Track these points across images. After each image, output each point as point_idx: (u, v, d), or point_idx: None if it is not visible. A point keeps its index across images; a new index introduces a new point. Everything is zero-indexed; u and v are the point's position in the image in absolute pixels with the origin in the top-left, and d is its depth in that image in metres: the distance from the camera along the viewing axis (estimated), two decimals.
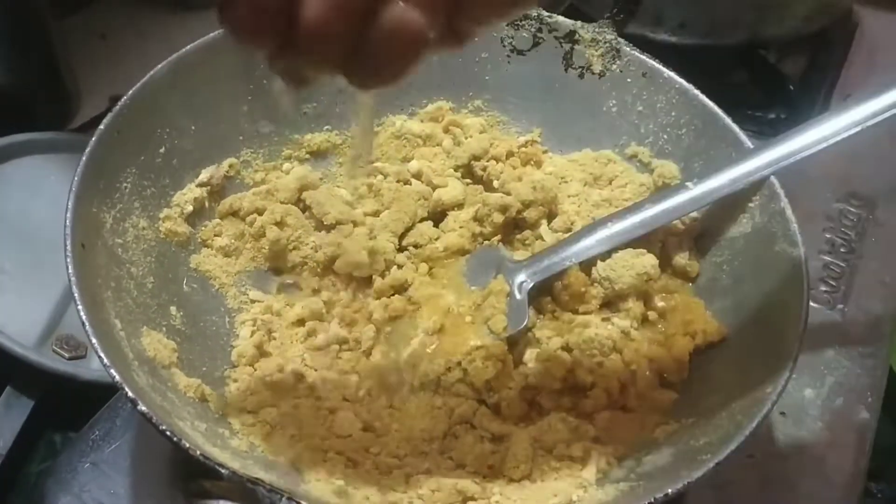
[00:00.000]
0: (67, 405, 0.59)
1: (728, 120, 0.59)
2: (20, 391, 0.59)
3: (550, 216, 0.62)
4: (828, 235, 0.71)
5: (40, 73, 0.73)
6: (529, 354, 0.54)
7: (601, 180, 0.63)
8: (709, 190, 0.55)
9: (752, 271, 0.55)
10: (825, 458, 0.58)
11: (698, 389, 0.53)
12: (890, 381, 0.64)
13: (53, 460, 0.55)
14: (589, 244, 0.56)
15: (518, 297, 0.55)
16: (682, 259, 0.58)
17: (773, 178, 0.56)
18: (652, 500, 0.41)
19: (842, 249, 0.70)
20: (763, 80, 0.83)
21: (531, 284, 0.56)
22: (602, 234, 0.56)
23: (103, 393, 0.57)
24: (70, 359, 0.60)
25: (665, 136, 0.63)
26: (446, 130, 0.65)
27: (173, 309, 0.54)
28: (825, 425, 0.60)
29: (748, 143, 0.58)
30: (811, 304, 0.63)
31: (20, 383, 0.59)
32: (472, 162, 0.64)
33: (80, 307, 0.45)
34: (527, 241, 0.61)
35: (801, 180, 0.70)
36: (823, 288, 0.67)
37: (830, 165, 0.75)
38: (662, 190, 0.59)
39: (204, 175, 0.59)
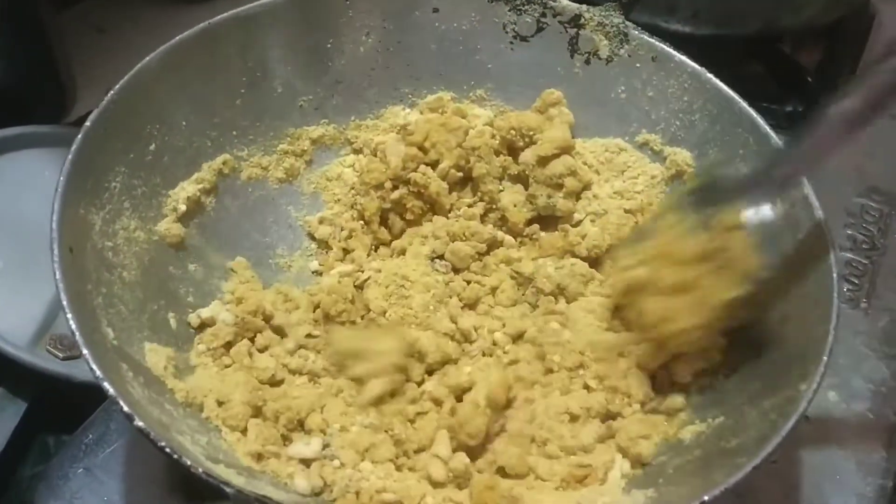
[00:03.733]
0: (62, 407, 0.57)
1: (744, 104, 0.57)
2: (13, 392, 0.57)
3: None
4: (849, 231, 0.68)
5: (37, 67, 0.72)
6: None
7: (612, 169, 0.61)
8: None
9: (777, 262, 0.52)
10: (851, 464, 0.56)
11: (725, 386, 0.50)
12: None
13: (46, 464, 0.53)
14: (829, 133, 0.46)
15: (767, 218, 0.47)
16: None
17: None
18: None
19: (864, 246, 0.68)
20: (779, 71, 0.81)
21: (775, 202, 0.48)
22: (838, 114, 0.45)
23: (99, 394, 0.53)
24: (64, 359, 0.58)
25: (677, 123, 0.60)
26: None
27: (169, 314, 0.52)
28: (851, 429, 0.57)
29: (765, 127, 0.56)
30: None
31: (13, 384, 0.58)
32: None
33: (69, 316, 0.43)
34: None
35: (820, 175, 0.68)
36: (846, 286, 0.65)
37: (849, 160, 0.73)
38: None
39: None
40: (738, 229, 0.47)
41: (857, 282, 0.66)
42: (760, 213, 0.47)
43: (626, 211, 0.59)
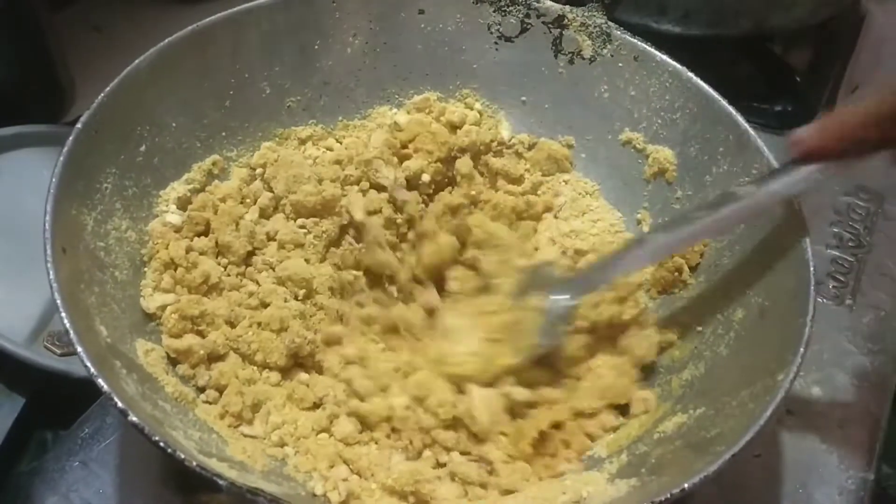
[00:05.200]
0: (59, 402, 0.57)
1: (724, 102, 0.58)
2: (11, 388, 0.58)
3: None
4: (835, 230, 0.69)
5: (34, 66, 0.72)
6: None
7: (574, 209, 0.63)
8: (769, 192, 0.50)
9: (756, 255, 0.54)
10: (834, 457, 0.57)
11: (705, 379, 0.51)
12: None
13: (43, 458, 0.54)
14: (634, 262, 0.53)
15: (558, 314, 0.53)
16: None
17: (772, 160, 0.54)
18: (668, 496, 0.40)
19: (850, 244, 0.69)
20: (769, 71, 0.82)
21: (573, 303, 0.53)
22: (647, 248, 0.52)
23: (95, 390, 0.54)
24: (61, 355, 0.58)
25: (659, 121, 0.61)
26: (437, 120, 0.63)
27: None
28: (834, 423, 0.58)
29: (745, 125, 0.57)
30: (819, 299, 0.62)
31: (11, 380, 0.58)
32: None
33: (63, 315, 0.43)
34: None
35: None
36: (832, 283, 0.66)
37: None
38: (715, 198, 0.54)
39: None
40: (536, 311, 0.53)
41: (842, 279, 0.67)
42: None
43: (576, 251, 0.61)
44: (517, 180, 0.64)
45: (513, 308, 0.54)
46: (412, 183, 0.61)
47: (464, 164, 0.62)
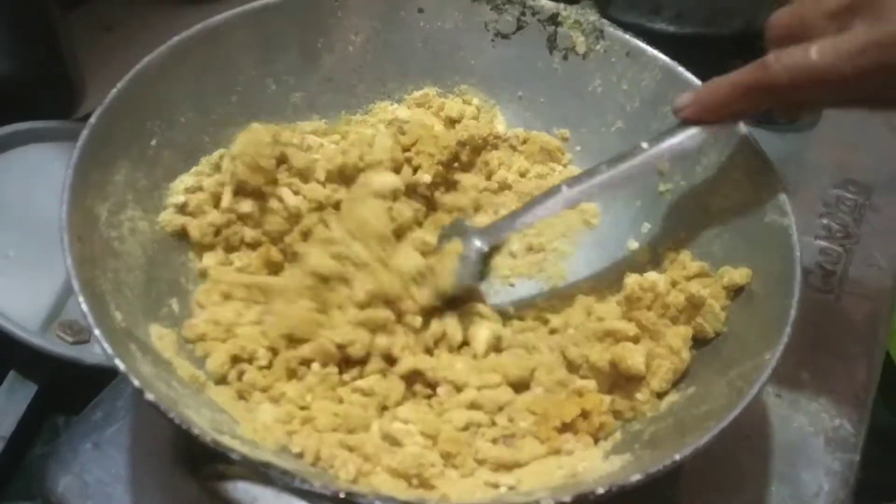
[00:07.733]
0: (71, 389, 0.59)
1: None
2: (24, 375, 0.59)
3: None
4: (825, 221, 0.72)
5: (45, 64, 0.74)
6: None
7: None
8: (664, 148, 0.54)
9: (744, 242, 0.56)
10: (821, 440, 0.59)
11: (696, 360, 0.53)
12: (886, 365, 0.65)
13: (55, 443, 0.56)
14: (543, 209, 0.56)
15: (472, 258, 0.56)
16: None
17: (761, 149, 0.56)
18: (660, 467, 0.42)
19: (838, 235, 0.71)
20: None
21: (486, 247, 0.56)
22: (557, 199, 0.55)
23: (106, 376, 0.57)
24: (73, 343, 0.60)
25: (651, 114, 0.63)
26: (437, 115, 0.65)
27: (172, 299, 0.54)
28: (821, 408, 0.60)
29: None
30: (807, 288, 0.64)
31: (24, 368, 0.59)
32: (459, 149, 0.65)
33: (81, 300, 0.45)
34: None
35: (799, 167, 0.71)
36: (820, 273, 0.68)
37: (827, 152, 0.76)
38: (618, 154, 0.56)
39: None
40: (453, 255, 0.56)
41: (830, 268, 0.69)
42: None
43: None
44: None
45: (435, 251, 0.57)
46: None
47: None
